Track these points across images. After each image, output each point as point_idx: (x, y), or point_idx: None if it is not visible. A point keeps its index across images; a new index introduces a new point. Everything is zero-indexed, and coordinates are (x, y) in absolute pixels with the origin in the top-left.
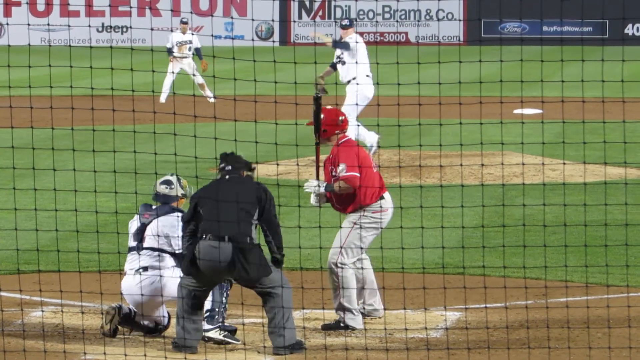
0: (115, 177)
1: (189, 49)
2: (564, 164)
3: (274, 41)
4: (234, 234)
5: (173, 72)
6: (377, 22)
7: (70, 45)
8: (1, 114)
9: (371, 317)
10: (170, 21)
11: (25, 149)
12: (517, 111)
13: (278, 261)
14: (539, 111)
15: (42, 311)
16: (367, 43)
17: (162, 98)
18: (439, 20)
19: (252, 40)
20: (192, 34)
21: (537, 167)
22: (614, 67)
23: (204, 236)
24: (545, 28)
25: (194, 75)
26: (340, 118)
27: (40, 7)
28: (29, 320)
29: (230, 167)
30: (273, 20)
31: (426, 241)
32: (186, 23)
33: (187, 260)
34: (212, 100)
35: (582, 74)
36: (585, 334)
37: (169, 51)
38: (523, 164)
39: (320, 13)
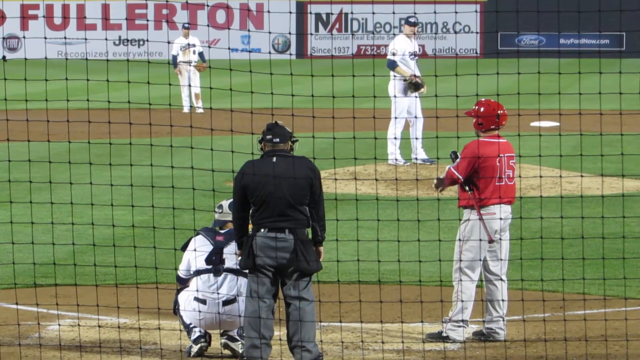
0: (132, 190)
1: (194, 52)
2: (582, 176)
3: (290, 54)
4: (294, 226)
5: (189, 85)
6: (394, 34)
7: (87, 59)
8: (18, 127)
9: (491, 338)
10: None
11: (42, 163)
12: (535, 124)
13: (320, 243)
14: (555, 124)
15: (59, 325)
16: (384, 56)
17: (185, 109)
18: (455, 33)
19: (269, 53)
20: (197, 44)
21: (554, 179)
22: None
23: (261, 229)
24: (562, 41)
25: (193, 86)
26: (498, 112)
27: (57, 21)
28: (45, 334)
29: (278, 140)
30: (290, 33)
31: (443, 254)
32: (188, 28)
33: (244, 255)
34: (200, 111)
35: (600, 87)
36: (603, 346)
37: (174, 59)
38: (540, 177)
39: (337, 26)
